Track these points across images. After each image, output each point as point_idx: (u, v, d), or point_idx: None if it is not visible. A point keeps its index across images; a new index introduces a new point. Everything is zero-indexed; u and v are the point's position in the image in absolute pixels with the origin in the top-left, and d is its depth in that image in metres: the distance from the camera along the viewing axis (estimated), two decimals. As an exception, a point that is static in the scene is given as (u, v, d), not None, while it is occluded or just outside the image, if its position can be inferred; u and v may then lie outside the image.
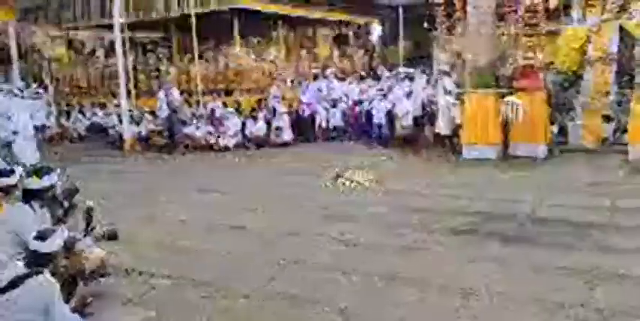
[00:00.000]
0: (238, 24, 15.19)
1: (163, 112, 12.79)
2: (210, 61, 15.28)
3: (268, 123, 12.67)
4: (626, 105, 9.10)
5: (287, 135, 12.53)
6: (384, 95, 11.82)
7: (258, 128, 12.57)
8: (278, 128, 12.50)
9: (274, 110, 12.74)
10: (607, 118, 9.44)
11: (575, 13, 11.84)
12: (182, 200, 7.71)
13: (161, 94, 12.94)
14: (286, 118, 12.61)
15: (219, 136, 12.54)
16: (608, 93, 9.64)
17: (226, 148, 12.33)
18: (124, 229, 4.68)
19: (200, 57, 14.50)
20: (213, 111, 13.19)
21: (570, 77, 10.58)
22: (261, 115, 12.78)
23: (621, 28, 10.20)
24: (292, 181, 8.74)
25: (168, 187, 8.71)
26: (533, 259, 4.77)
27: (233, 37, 15.27)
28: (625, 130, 8.86)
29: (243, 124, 12.70)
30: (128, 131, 12.99)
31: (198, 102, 13.62)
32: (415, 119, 11.21)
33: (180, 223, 6.50)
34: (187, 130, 12.72)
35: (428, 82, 11.85)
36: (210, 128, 12.71)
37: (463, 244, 5.31)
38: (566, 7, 12.25)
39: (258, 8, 15.15)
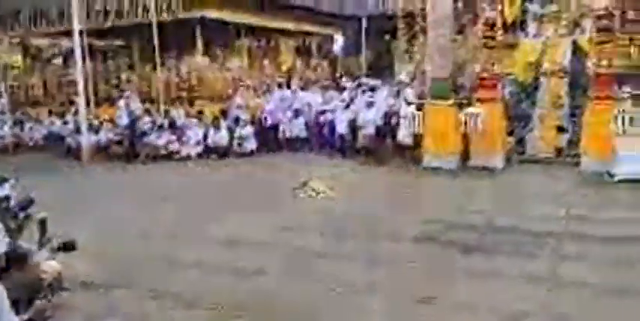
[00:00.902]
0: (202, 33, 15.10)
1: (123, 121, 12.57)
2: (173, 70, 15.13)
3: (231, 132, 12.60)
4: (579, 117, 9.43)
5: (250, 144, 12.48)
6: (347, 105, 11.92)
7: (220, 137, 12.47)
8: (241, 138, 12.44)
9: (237, 119, 12.68)
10: (561, 129, 9.76)
11: (531, 27, 12.28)
12: (142, 210, 7.57)
13: (121, 102, 12.73)
14: (250, 127, 12.57)
15: (180, 146, 12.39)
16: (562, 105, 9.99)
17: (188, 158, 12.19)
18: (82, 240, 4.56)
19: (162, 65, 14.33)
20: (174, 120, 13.04)
21: (527, 89, 10.93)
22: (224, 124, 12.69)
23: (574, 43, 10.61)
24: (255, 190, 8.70)
25: (127, 197, 8.55)
26: (493, 268, 4.87)
27: (196, 45, 15.17)
28: (578, 141, 9.16)
29: (206, 134, 12.59)
30: (87, 140, 12.71)
31: (159, 111, 13.44)
32: (377, 129, 11.33)
33: (141, 234, 6.37)
34: (148, 139, 12.52)
35: (390, 92, 12.03)
36: (172, 137, 12.55)
37: (424, 253, 5.38)
38: (523, 22, 12.70)
39: (222, 17, 15.11)
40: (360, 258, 5.25)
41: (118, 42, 19.19)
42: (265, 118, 13.19)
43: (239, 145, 12.44)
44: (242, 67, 15.57)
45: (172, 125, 12.88)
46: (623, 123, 7.99)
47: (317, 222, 6.68)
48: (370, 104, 11.27)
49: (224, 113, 13.23)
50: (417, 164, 9.83)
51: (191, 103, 14.22)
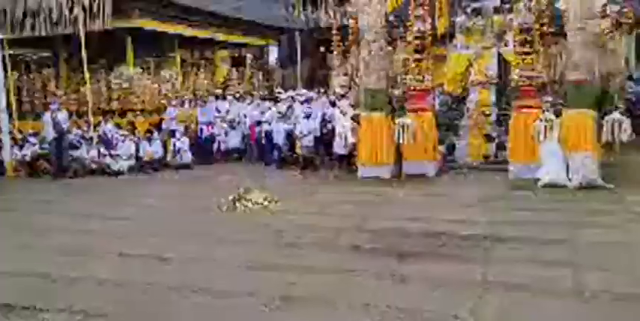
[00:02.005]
0: (133, 43, 14.74)
1: (50, 135, 12.00)
2: (102, 81, 14.66)
3: (165, 145, 12.33)
4: (505, 125, 9.86)
5: (186, 157, 12.25)
6: (284, 116, 11.95)
7: (154, 150, 12.17)
8: (176, 150, 12.20)
9: (171, 132, 12.43)
10: (489, 138, 10.16)
11: (459, 40, 12.79)
12: (70, 227, 7.23)
13: (47, 115, 12.16)
14: (185, 139, 12.35)
15: (112, 159, 11.98)
16: (489, 114, 10.42)
17: (119, 172, 11.80)
18: (5, 261, 4.30)
19: (91, 76, 13.86)
20: (105, 133, 12.61)
21: (456, 99, 11.35)
22: (157, 136, 12.40)
23: (499, 55, 11.13)
24: (190, 204, 8.52)
25: (53, 214, 8.15)
26: (429, 273, 4.97)
27: (127, 56, 14.78)
28: (505, 149, 9.56)
29: (138, 147, 12.24)
30: (9, 155, 12.06)
31: (88, 124, 12.95)
32: (315, 140, 11.41)
33: (69, 252, 6.08)
34: (76, 153, 12.03)
35: (326, 103, 12.17)
36: (102, 151, 12.13)
37: (362, 261, 5.42)
38: (452, 35, 13.20)
39: (154, 28, 14.82)
40: (297, 269, 5.23)
41: (44, 52, 18.42)
42: (200, 130, 13.01)
43: (173, 157, 12.18)
44: (176, 79, 15.29)
45: (103, 139, 12.45)
46: (545, 131, 8.40)
47: (253, 234, 6.61)
48: (307, 115, 11.34)
49: (157, 126, 12.94)
50: (353, 174, 9.95)
51: (122, 116, 13.81)
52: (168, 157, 12.25)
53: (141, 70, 15.00)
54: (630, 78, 13.15)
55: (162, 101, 14.33)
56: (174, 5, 14.88)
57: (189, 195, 9.29)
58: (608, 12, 11.67)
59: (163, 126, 13.07)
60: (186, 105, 14.02)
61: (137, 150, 12.22)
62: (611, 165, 8.69)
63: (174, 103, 13.80)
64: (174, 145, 12.23)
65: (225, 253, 5.83)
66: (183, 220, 7.50)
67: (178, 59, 17.20)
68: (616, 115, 8.35)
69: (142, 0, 14.17)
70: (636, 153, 9.89)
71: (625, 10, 11.81)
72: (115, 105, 14.14)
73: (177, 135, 12.32)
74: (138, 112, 13.90)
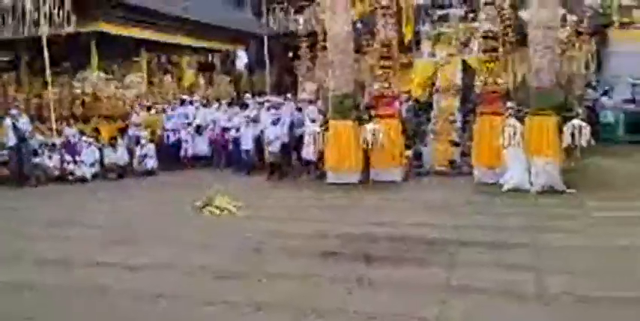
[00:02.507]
0: (97, 48, 14.48)
1: (10, 141, 11.66)
2: (65, 86, 14.35)
3: (130, 151, 12.13)
4: (470, 131, 10.02)
5: (151, 163, 12.07)
6: (252, 122, 11.89)
7: (118, 157, 11.96)
8: (142, 156, 12.01)
9: (136, 138, 12.23)
10: (455, 143, 10.32)
11: (425, 47, 13.00)
12: (33, 236, 7.04)
13: (7, 121, 11.82)
14: (150, 145, 12.16)
15: (75, 166, 11.71)
16: (454, 120, 10.58)
17: (83, 179, 11.54)
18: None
19: (54, 81, 13.56)
20: (68, 139, 12.33)
21: (422, 105, 11.51)
22: (121, 142, 12.19)
23: (464, 62, 11.33)
24: (157, 210, 8.40)
25: (15, 222, 7.92)
26: (396, 278, 5.00)
27: (91, 61, 14.51)
28: (470, 154, 9.72)
29: (102, 153, 12.01)
30: (-33, 162, 11.68)
31: (51, 129, 12.65)
32: (283, 146, 11.39)
33: (31, 261, 5.91)
34: (38, 160, 11.72)
35: (294, 109, 12.17)
36: (65, 158, 11.85)
37: (329, 266, 5.43)
38: (418, 42, 13.41)
39: (119, 33, 14.59)
40: (264, 275, 5.20)
41: (4, 56, 17.94)
42: (166, 136, 12.85)
43: (139, 164, 11.99)
44: (141, 84, 15.07)
45: (66, 145, 12.17)
46: (508, 136, 8.58)
47: (221, 240, 6.55)
48: (275, 121, 11.33)
49: (122, 131, 12.73)
50: (322, 180, 9.96)
51: (86, 121, 13.54)
52: (134, 164, 12.04)
53: (105, 75, 14.71)
54: (589, 85, 13.56)
55: (128, 107, 14.10)
56: (140, 10, 14.69)
57: (156, 202, 9.15)
58: (567, 21, 12.10)
59: (129, 132, 12.86)
60: (152, 110, 13.83)
61: (101, 156, 11.98)
62: (572, 170, 8.91)
63: (139, 108, 13.60)
64: (140, 151, 12.03)
65: (193, 259, 5.76)
66: (151, 227, 7.38)
67: (144, 64, 16.99)
68: (576, 121, 8.58)
69: (107, 4, 13.94)
70: (596, 158, 10.18)
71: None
72: (78, 110, 13.84)
73: (143, 141, 12.13)
74: (102, 118, 13.63)
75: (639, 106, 12.93)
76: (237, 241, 6.45)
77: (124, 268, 5.55)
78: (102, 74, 14.59)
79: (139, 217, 8.02)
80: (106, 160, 11.95)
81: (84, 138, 12.29)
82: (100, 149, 12.11)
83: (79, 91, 13.95)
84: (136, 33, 15.26)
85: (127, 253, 6.06)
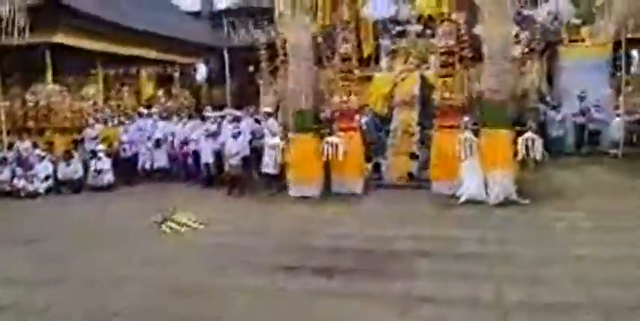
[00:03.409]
0: (53, 59, 14.13)
1: (-42, 155, 11.26)
2: (18, 98, 13.92)
3: (85, 165, 11.83)
4: (428, 144, 10.19)
5: (107, 177, 11.79)
6: (212, 135, 11.78)
7: (73, 171, 11.64)
8: (97, 171, 11.72)
9: (93, 151, 11.95)
10: (413, 156, 10.48)
11: (384, 62, 13.21)
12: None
13: (-46, 134, 11.42)
14: (106, 159, 11.89)
15: (27, 181, 11.33)
16: (413, 133, 10.76)
17: (36, 194, 11.18)
18: None
19: (5, 93, 13.14)
20: (20, 153, 11.94)
21: (382, 119, 11.65)
22: (76, 156, 11.89)
23: (422, 77, 11.56)
24: (113, 226, 8.20)
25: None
26: (358, 290, 5.03)
27: (45, 73, 14.15)
28: (428, 167, 9.88)
29: (56, 167, 11.68)
30: None
31: (2, 143, 12.23)
32: (244, 159, 11.33)
33: None
34: (-12, 174, 11.32)
35: (255, 122, 12.14)
36: (18, 172, 11.46)
37: (293, 280, 5.41)
38: (377, 57, 13.63)
39: (75, 44, 14.29)
40: (228, 290, 5.14)
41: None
42: (124, 149, 12.60)
43: (95, 178, 11.70)
44: (98, 96, 14.77)
45: (18, 159, 11.78)
46: (465, 149, 8.77)
47: (179, 256, 6.45)
48: (236, 134, 11.26)
49: (76, 144, 12.41)
50: (283, 193, 9.94)
51: (40, 134, 13.15)
52: (89, 178, 11.74)
53: (60, 87, 14.35)
54: (542, 100, 14.03)
55: (83, 119, 13.77)
56: (98, 21, 14.45)
57: (112, 217, 8.93)
58: (520, 38, 12.53)
59: (85, 145, 12.55)
60: (109, 123, 13.55)
61: (55, 171, 11.65)
62: (526, 181, 9.17)
63: (94, 121, 13.31)
64: (95, 165, 11.75)
65: (154, 274, 5.65)
66: (109, 242, 7.20)
67: (101, 76, 16.68)
68: (529, 134, 8.86)
69: (64, 15, 13.66)
70: (548, 170, 10.51)
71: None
72: (31, 123, 13.44)
73: (99, 154, 11.85)
74: (56, 131, 13.26)
75: (588, 119, 13.43)
76: (197, 257, 6.37)
77: (84, 283, 5.40)
78: (57, 86, 14.22)
79: (92, 233, 7.81)
80: (60, 175, 11.61)
81: (37, 151, 11.93)
82: (54, 163, 11.77)
83: (32, 103, 13.55)
84: (93, 45, 14.98)
85: (87, 269, 5.90)
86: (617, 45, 14.07)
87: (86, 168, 11.84)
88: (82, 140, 12.76)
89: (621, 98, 13.27)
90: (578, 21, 14.94)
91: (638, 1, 14.01)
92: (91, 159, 11.89)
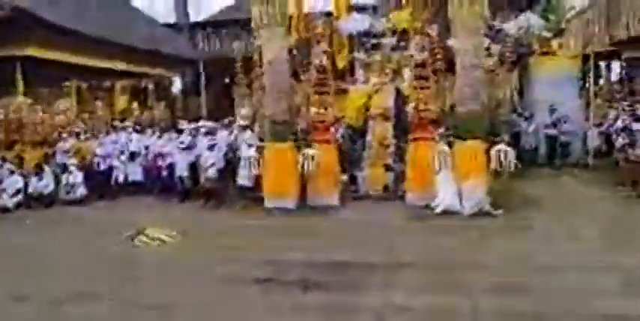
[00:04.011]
0: (24, 72, 13.90)
1: None
2: (-13, 112, 13.64)
3: (57, 179, 11.61)
4: (403, 156, 10.27)
5: (80, 192, 11.58)
6: (188, 148, 11.69)
7: (44, 185, 11.42)
8: (70, 185, 11.51)
9: (64, 165, 11.74)
10: (389, 168, 10.54)
11: (359, 74, 13.32)
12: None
13: None
14: (78, 173, 11.68)
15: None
16: (388, 145, 10.83)
17: (5, 210, 10.92)
18: None
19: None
20: (-12, 167, 11.68)
21: (357, 131, 11.72)
22: (48, 170, 11.67)
23: (397, 89, 11.68)
24: (87, 241, 8.04)
25: None
26: (333, 303, 5.01)
27: (16, 86, 13.90)
28: (404, 178, 9.95)
29: (27, 182, 11.44)
30: None
31: (-30, 157, 11.96)
32: (219, 172, 11.25)
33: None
34: (-45, 189, 11.03)
35: (230, 134, 12.09)
36: (-15, 186, 11.21)
37: (265, 293, 5.37)
38: (353, 69, 13.73)
39: (47, 57, 14.09)
40: (196, 304, 5.07)
41: None
42: (97, 163, 12.41)
43: (67, 192, 11.49)
44: (70, 109, 14.56)
45: (-15, 173, 11.52)
46: (439, 161, 8.85)
47: (153, 270, 6.35)
48: (211, 147, 11.19)
49: (48, 158, 12.19)
50: (259, 205, 9.88)
51: (10, 148, 12.88)
52: (61, 192, 11.53)
53: (31, 100, 14.10)
54: (514, 111, 14.26)
55: (56, 133, 13.54)
56: (71, 34, 14.29)
57: (84, 232, 8.76)
58: (492, 51, 12.77)
59: (56, 159, 12.33)
60: (82, 136, 13.34)
61: (26, 185, 11.40)
62: (500, 192, 9.27)
63: (67, 134, 13.10)
64: (67, 178, 11.54)
65: (129, 291, 5.55)
66: (82, 258, 7.06)
67: (74, 89, 16.46)
68: (502, 145, 8.99)
69: (36, 28, 13.47)
70: (520, 181, 10.66)
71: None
72: (1, 136, 13.16)
73: (71, 168, 11.64)
74: (27, 145, 13.00)
75: (560, 131, 13.68)
76: (170, 271, 6.28)
77: (46, 303, 5.28)
78: (28, 99, 13.98)
79: (65, 248, 7.65)
80: (31, 189, 11.38)
81: (7, 166, 11.67)
82: (25, 177, 11.53)
83: (1, 116, 13.28)
84: (66, 57, 14.78)
85: (61, 286, 5.78)
86: (586, 58, 14.42)
87: (58, 182, 11.63)
88: (54, 154, 12.53)
89: (591, 110, 13.58)
90: (548, 34, 15.28)
91: (604, 17, 14.44)
92: (62, 173, 11.68)
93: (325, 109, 10.27)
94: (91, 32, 14.87)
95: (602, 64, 17.79)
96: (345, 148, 11.14)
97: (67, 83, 16.46)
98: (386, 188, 10.32)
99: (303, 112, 10.95)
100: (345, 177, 10.56)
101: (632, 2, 12.77)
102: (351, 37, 14.00)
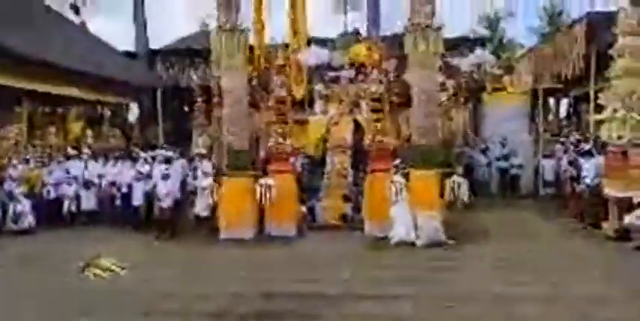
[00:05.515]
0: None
1: None
2: None
3: (4, 208, 11.16)
4: (360, 187, 10.38)
5: (27, 221, 11.13)
6: (142, 177, 11.46)
7: (-11, 214, 10.95)
8: (16, 214, 11.06)
9: (11, 193, 11.31)
10: (346, 198, 10.61)
11: (318, 106, 13.49)
12: None
13: None
14: (26, 201, 11.25)
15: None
16: (346, 176, 10.94)
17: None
18: None
19: None
20: None
21: (316, 161, 11.80)
22: (-7, 199, 11.21)
23: (355, 121, 11.88)
24: (34, 273, 7.70)
25: None
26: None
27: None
28: (360, 209, 10.03)
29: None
30: None
31: None
32: (175, 201, 11.06)
33: None
34: None
35: (187, 163, 11.96)
36: None
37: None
38: (312, 101, 13.90)
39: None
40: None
41: None
42: (48, 191, 12.01)
43: (14, 222, 11.03)
44: (21, 135, 14.12)
45: None
46: (395, 192, 8.99)
47: (102, 302, 6.13)
48: (166, 176, 11.03)
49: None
50: (215, 236, 9.74)
51: (-48, 175, 12.34)
52: (7, 222, 11.06)
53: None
54: (467, 144, 14.69)
55: (5, 159, 13.07)
56: (24, 58, 13.99)
57: (32, 263, 8.40)
58: (447, 86, 13.20)
59: (4, 186, 11.87)
60: (32, 164, 12.92)
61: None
62: (453, 223, 9.46)
63: (15, 162, 12.65)
64: (14, 207, 11.09)
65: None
66: (32, 290, 6.75)
67: (25, 114, 15.99)
68: (456, 177, 9.23)
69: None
70: (473, 211, 10.91)
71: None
72: (-56, 163, 12.63)
73: (18, 197, 11.20)
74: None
75: (511, 164, 14.12)
76: (119, 303, 6.08)
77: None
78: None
79: (12, 282, 7.31)
80: (-25, 218, 10.89)
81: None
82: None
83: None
84: (15, 82, 14.38)
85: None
86: (536, 94, 15.08)
87: (4, 211, 11.17)
88: (1, 181, 12.08)
89: (540, 144, 14.13)
90: (499, 71, 15.96)
91: (552, 55, 15.18)
92: (9, 201, 11.23)
93: (285, 139, 10.33)
94: (46, 58, 14.60)
95: (551, 100, 18.58)
96: (304, 178, 11.18)
97: (18, 108, 15.99)
98: (344, 218, 10.37)
99: (263, 142, 10.96)
100: (303, 207, 10.55)
101: (578, 42, 13.53)
102: (310, 69, 14.22)
